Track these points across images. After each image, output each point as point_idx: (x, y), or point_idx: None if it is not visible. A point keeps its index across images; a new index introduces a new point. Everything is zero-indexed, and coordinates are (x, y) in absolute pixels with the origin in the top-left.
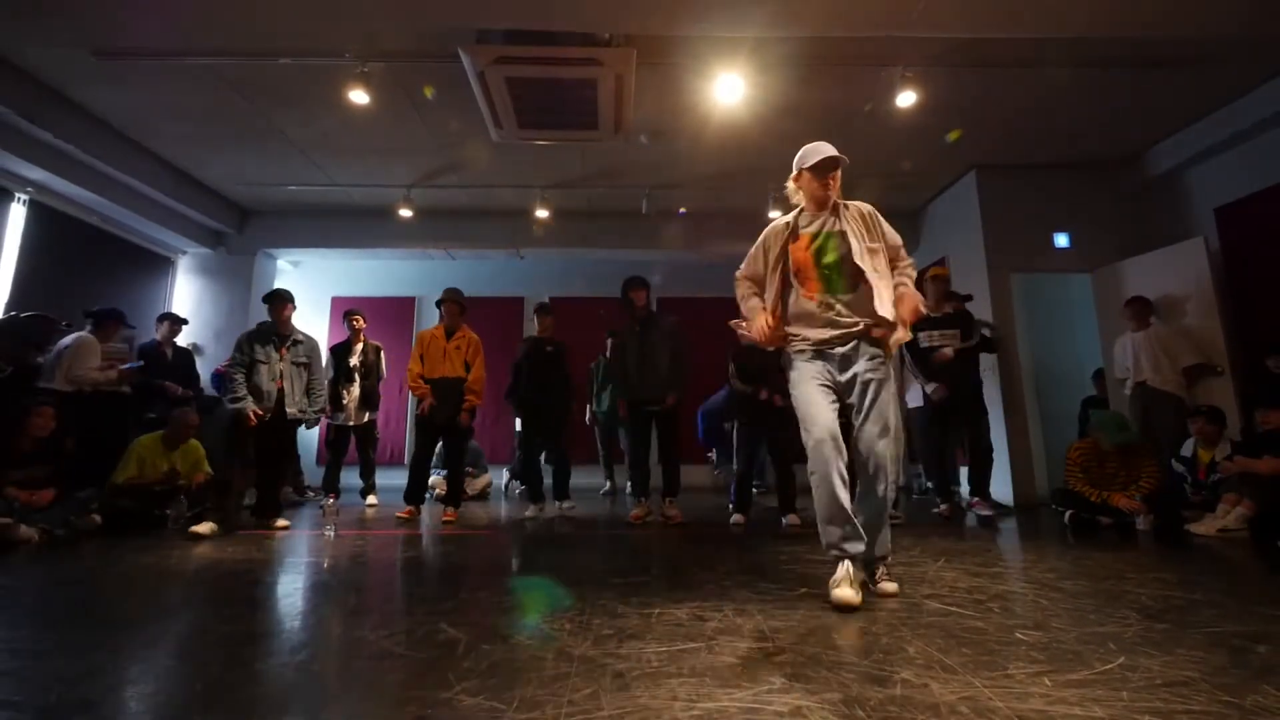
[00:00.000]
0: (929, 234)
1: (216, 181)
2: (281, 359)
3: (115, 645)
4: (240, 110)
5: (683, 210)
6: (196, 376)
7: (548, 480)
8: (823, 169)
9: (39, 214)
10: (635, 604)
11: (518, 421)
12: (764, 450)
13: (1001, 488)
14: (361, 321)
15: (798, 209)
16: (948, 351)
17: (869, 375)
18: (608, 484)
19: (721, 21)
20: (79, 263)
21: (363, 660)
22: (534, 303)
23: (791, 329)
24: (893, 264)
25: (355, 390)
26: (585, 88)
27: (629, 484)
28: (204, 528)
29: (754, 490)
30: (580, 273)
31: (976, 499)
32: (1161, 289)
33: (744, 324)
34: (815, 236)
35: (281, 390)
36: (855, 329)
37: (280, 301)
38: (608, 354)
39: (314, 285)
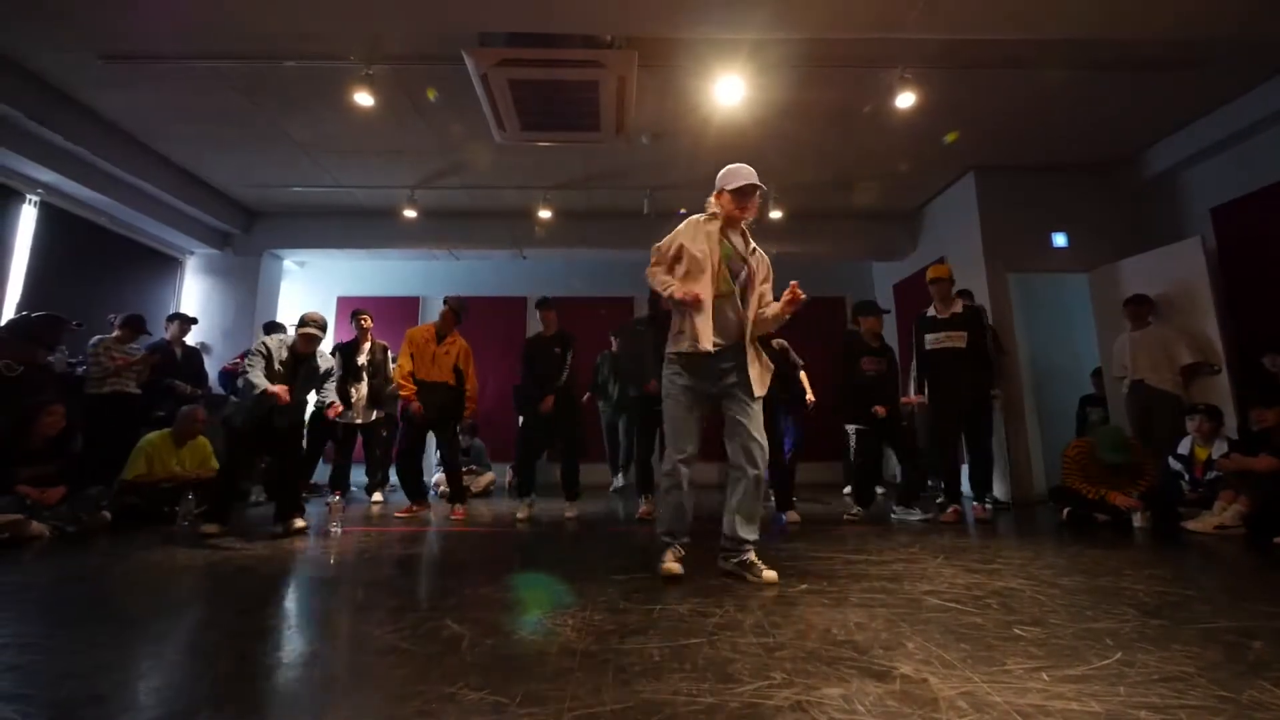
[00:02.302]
0: (927, 235)
1: (223, 183)
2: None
3: (125, 640)
4: (246, 113)
5: (683, 210)
6: (205, 375)
7: (543, 479)
8: (744, 194)
9: (49, 215)
10: (637, 600)
11: (520, 420)
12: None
13: (999, 485)
14: (369, 321)
15: (715, 219)
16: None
17: (736, 382)
18: (616, 481)
19: (722, 23)
20: (89, 263)
21: (368, 655)
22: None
23: (682, 337)
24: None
25: (363, 389)
26: (587, 89)
27: (617, 479)
28: (211, 528)
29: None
30: (582, 272)
31: (977, 504)
32: (1158, 289)
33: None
34: (727, 251)
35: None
36: (738, 338)
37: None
38: (613, 350)
39: (320, 285)
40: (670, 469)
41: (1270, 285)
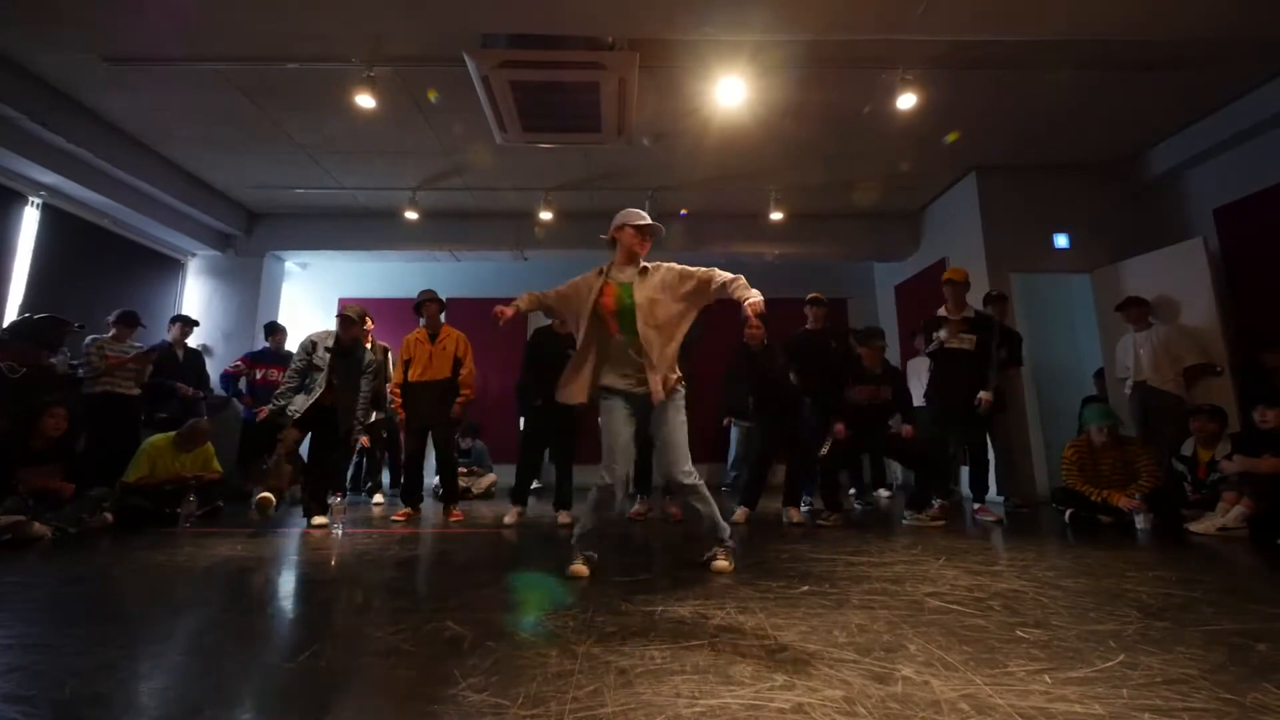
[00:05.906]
0: (929, 235)
1: (225, 184)
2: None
3: (127, 641)
4: (249, 114)
5: (684, 211)
6: (207, 377)
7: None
8: (645, 230)
9: (52, 217)
10: (638, 602)
11: (521, 421)
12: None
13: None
14: (369, 322)
15: (609, 262)
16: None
17: (661, 410)
18: None
19: (723, 24)
20: (91, 265)
21: (370, 656)
22: None
23: (602, 377)
24: (709, 284)
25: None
26: (588, 91)
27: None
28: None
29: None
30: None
31: (979, 505)
32: (1161, 289)
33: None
34: (620, 286)
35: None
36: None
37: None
38: None
39: (321, 286)
40: (607, 485)
41: (1274, 286)
